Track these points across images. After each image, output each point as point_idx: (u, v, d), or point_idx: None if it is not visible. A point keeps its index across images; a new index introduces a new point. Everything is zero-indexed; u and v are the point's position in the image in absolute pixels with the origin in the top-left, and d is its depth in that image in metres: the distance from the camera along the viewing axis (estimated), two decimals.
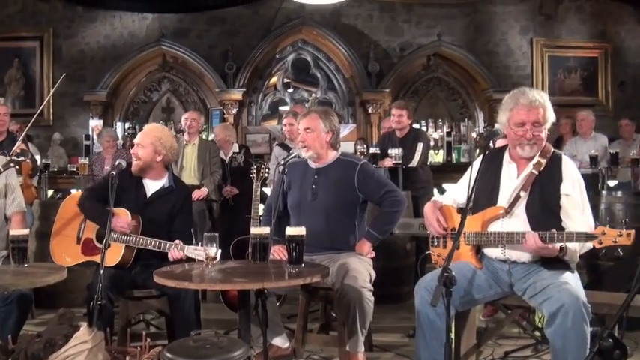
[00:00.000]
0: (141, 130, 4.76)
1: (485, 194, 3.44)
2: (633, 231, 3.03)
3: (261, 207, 5.40)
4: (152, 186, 4.34)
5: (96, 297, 3.38)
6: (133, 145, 4.39)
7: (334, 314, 4.54)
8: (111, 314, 3.88)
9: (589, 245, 3.24)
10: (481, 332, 4.09)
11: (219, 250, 3.47)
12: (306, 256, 3.59)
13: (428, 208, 3.70)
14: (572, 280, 3.21)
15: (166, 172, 4.39)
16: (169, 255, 3.95)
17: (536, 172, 3.36)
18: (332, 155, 4.25)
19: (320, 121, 4.16)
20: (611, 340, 2.41)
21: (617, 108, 11.42)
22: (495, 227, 3.39)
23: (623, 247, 4.74)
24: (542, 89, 10.71)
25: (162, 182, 4.36)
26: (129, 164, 4.29)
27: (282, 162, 4.30)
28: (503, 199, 3.41)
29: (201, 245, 3.52)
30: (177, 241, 3.96)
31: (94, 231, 4.25)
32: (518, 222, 3.34)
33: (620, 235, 3.02)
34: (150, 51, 10.80)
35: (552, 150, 3.44)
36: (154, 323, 5.23)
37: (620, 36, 11.73)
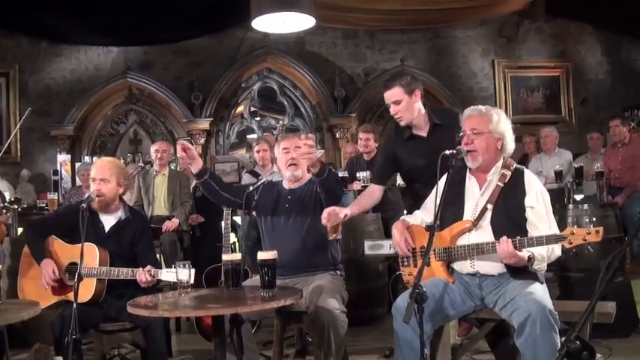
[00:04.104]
0: None
1: (451, 210, 3.48)
2: (602, 228, 3.08)
3: (232, 235, 5.39)
4: (109, 220, 4.25)
5: (70, 331, 3.35)
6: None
7: (310, 339, 4.54)
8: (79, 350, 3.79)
9: (557, 253, 3.29)
10: (456, 349, 4.12)
11: (193, 271, 3.46)
12: (279, 280, 3.61)
13: (396, 228, 3.71)
14: (539, 289, 3.24)
15: (121, 204, 4.33)
16: (138, 279, 3.88)
17: (501, 185, 3.42)
18: (307, 177, 4.30)
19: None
20: (578, 342, 2.45)
21: (580, 124, 11.65)
22: (462, 241, 3.43)
23: (591, 257, 4.84)
24: (506, 108, 10.95)
25: (119, 214, 4.28)
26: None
27: (252, 188, 4.30)
28: (468, 213, 3.47)
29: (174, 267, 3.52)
30: (148, 267, 3.89)
31: (62, 269, 4.14)
32: (484, 235, 3.37)
33: (590, 233, 3.07)
34: (116, 84, 10.82)
35: (514, 164, 3.52)
36: (129, 357, 5.17)
37: (581, 54, 11.99)
